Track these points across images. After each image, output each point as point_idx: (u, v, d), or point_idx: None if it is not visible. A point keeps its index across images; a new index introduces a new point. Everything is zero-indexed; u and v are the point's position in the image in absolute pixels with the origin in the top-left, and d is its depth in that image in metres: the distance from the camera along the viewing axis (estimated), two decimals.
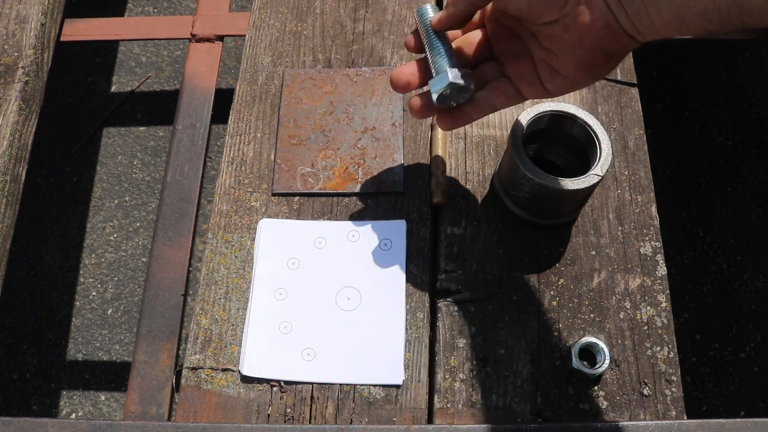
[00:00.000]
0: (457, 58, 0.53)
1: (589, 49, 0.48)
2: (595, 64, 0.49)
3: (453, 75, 0.52)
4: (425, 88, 0.55)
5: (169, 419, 0.63)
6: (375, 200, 0.67)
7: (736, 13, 0.39)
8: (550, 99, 0.72)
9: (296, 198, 0.68)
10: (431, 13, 0.54)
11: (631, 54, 0.75)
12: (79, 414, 1.26)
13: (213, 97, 0.83)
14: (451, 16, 0.52)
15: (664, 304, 0.61)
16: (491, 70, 0.55)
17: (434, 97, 0.53)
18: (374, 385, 0.59)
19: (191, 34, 0.89)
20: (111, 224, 1.44)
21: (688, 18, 0.41)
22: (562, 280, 0.63)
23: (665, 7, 0.42)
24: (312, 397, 0.59)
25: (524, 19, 0.50)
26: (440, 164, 0.67)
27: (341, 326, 0.62)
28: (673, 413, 0.57)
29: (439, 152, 0.68)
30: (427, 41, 0.54)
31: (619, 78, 0.73)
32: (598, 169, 0.58)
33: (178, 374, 0.63)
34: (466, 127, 0.71)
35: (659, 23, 0.43)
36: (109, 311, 1.35)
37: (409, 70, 0.55)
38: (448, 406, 0.58)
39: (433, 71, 0.53)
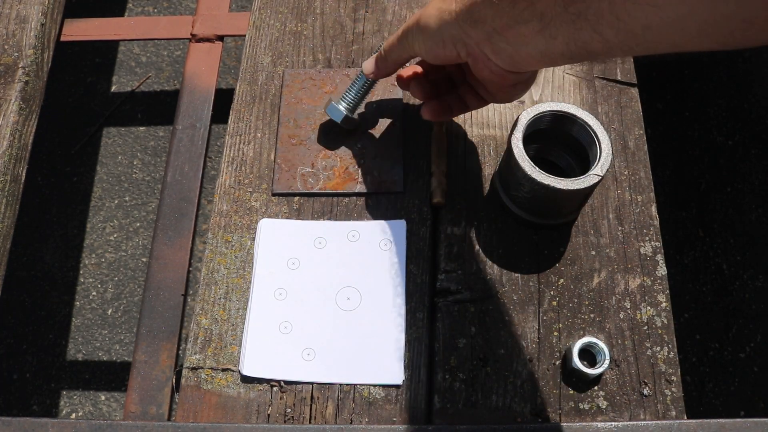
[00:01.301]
0: (355, 102, 0.68)
1: (494, 85, 0.57)
2: (516, 86, 0.58)
3: (331, 106, 0.68)
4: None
5: (169, 419, 0.63)
6: (375, 200, 0.67)
7: (586, 55, 0.46)
8: (549, 99, 0.72)
9: (296, 198, 0.68)
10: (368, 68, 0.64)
11: None
12: (79, 414, 1.26)
13: (213, 97, 0.83)
14: (379, 75, 0.65)
15: (664, 304, 0.61)
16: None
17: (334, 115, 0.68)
18: (374, 385, 0.59)
19: (191, 34, 0.89)
20: (111, 224, 1.44)
21: (552, 58, 0.48)
22: (562, 280, 0.63)
23: (531, 51, 0.49)
24: (312, 397, 0.59)
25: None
26: (440, 164, 0.67)
27: (341, 326, 0.62)
28: (673, 413, 0.57)
29: (439, 152, 0.68)
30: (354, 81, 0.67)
31: (619, 78, 0.73)
32: (598, 169, 0.58)
33: (178, 374, 0.63)
34: (466, 127, 0.71)
35: (531, 63, 0.51)
36: (109, 311, 1.35)
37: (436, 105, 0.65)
38: (448, 406, 0.58)
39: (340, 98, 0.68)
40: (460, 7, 0.51)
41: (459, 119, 0.71)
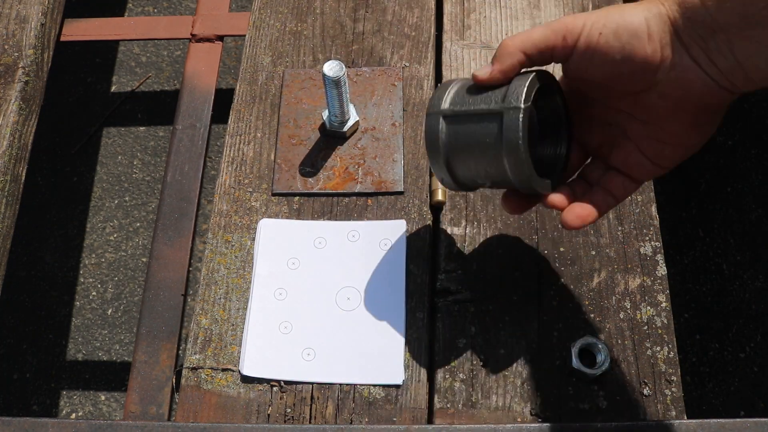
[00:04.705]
0: (337, 109, 0.67)
1: (692, 111, 0.46)
2: (702, 123, 0.47)
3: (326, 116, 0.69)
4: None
5: (169, 419, 0.63)
6: (375, 200, 0.67)
7: None
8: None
9: (296, 198, 0.68)
10: (340, 72, 0.62)
11: None
12: (79, 414, 1.26)
13: (213, 97, 0.83)
14: (501, 71, 0.49)
15: (664, 304, 0.61)
16: (594, 169, 0.53)
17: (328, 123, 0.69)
18: (374, 385, 0.59)
19: (191, 34, 0.89)
20: (111, 224, 1.44)
21: None
22: (562, 280, 0.63)
23: (762, 61, 0.39)
24: (312, 397, 0.59)
25: (608, 89, 0.48)
26: None
27: (341, 326, 0.62)
28: (673, 413, 0.57)
29: None
30: (329, 92, 0.65)
31: None
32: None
33: (178, 374, 0.63)
34: None
35: (758, 78, 0.41)
36: (109, 311, 1.35)
37: (581, 211, 0.50)
38: (448, 406, 0.58)
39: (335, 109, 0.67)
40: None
41: None
